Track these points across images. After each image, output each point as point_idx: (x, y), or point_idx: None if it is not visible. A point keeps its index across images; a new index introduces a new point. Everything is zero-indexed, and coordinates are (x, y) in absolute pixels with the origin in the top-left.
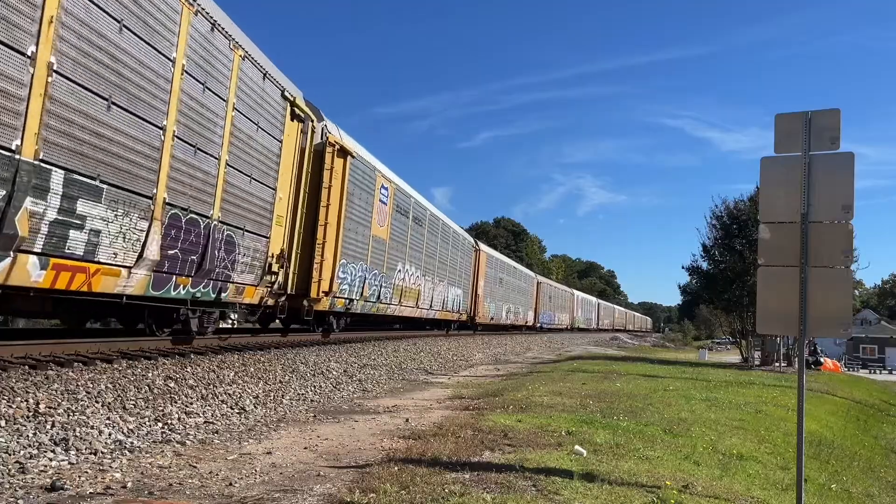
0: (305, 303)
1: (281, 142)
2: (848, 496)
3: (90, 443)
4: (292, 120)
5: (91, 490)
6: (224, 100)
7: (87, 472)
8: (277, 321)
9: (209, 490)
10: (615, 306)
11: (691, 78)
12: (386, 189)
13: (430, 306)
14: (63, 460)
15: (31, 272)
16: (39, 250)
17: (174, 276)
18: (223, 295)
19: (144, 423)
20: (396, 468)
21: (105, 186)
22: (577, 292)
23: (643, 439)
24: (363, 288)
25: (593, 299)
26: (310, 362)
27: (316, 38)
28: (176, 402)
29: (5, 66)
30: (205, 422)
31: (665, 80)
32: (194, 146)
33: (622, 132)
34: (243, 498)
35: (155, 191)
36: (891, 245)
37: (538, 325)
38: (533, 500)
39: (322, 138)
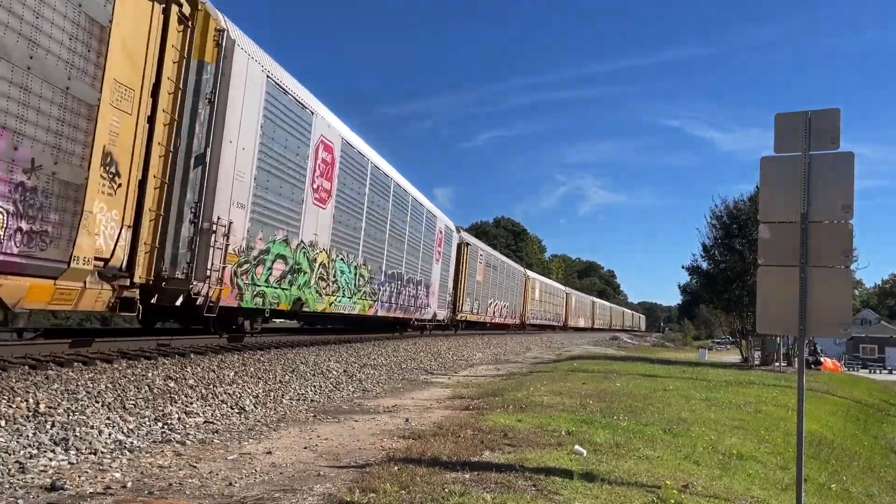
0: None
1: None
2: (848, 496)
3: (90, 443)
4: None
5: (91, 490)
6: None
7: (87, 472)
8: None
9: (209, 490)
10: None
11: (692, 78)
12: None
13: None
14: (63, 460)
15: None
16: None
17: None
18: None
19: (144, 423)
20: (396, 468)
21: None
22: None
23: (643, 439)
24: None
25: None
26: (310, 362)
27: (317, 38)
28: (176, 402)
29: None
30: (205, 422)
31: (666, 81)
32: None
33: (623, 132)
34: (243, 498)
35: None
36: (891, 245)
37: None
38: (533, 500)
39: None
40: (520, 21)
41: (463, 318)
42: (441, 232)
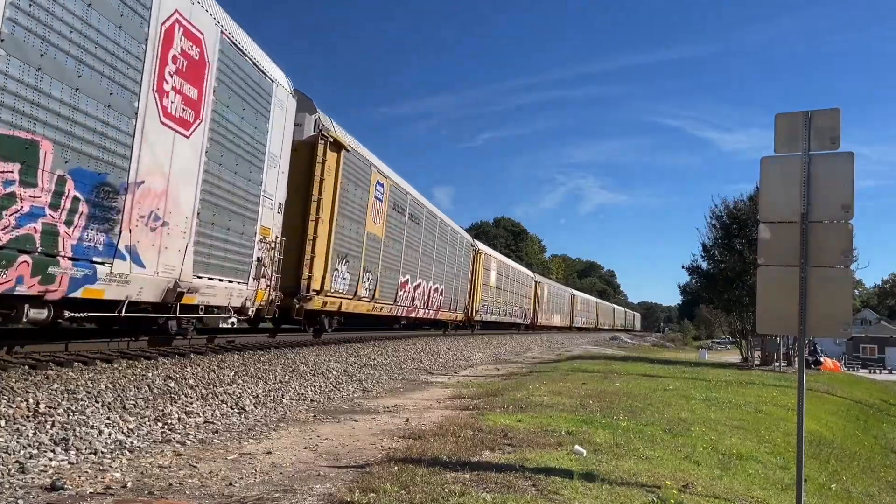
0: None
1: None
2: (848, 496)
3: (90, 443)
4: None
5: (91, 490)
6: None
7: (87, 472)
8: None
9: (209, 490)
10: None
11: (693, 78)
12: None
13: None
14: (63, 460)
15: None
16: None
17: None
18: None
19: (144, 423)
20: (396, 468)
21: None
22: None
23: (643, 439)
24: None
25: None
26: (310, 362)
27: (318, 38)
28: (176, 402)
29: None
30: (205, 421)
31: (667, 81)
32: None
33: (624, 132)
34: (243, 498)
35: None
36: (891, 245)
37: None
38: (533, 500)
39: None
40: (519, 20)
41: (329, 306)
42: (229, 63)
